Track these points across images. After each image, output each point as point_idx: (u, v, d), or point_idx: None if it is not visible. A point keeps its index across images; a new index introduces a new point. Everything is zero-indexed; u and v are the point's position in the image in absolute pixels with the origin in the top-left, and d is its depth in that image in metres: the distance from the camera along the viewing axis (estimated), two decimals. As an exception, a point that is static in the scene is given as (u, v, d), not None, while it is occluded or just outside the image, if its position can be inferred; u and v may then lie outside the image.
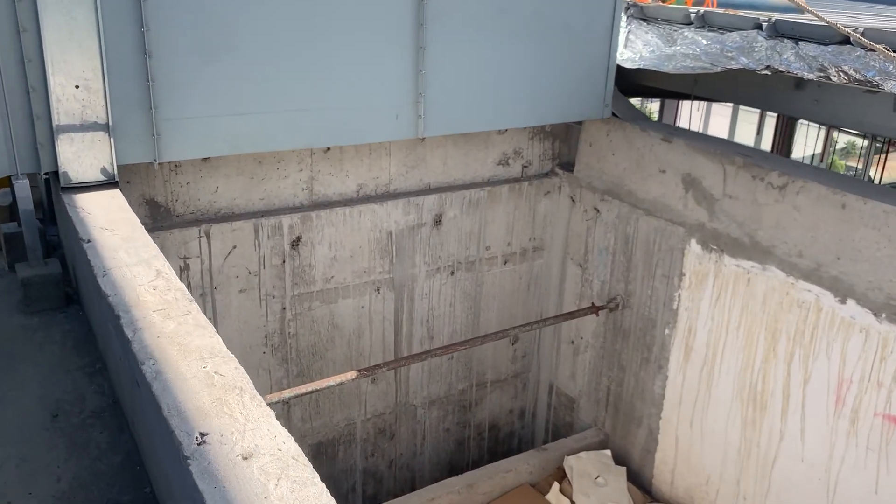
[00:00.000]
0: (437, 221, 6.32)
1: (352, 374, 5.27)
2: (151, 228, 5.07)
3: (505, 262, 6.82)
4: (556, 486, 6.29)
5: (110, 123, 4.05)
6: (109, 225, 3.66)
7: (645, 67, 5.88)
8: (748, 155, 5.32)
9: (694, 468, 6.00)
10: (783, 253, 5.04)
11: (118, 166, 4.15)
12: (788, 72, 5.13)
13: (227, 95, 4.36)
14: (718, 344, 5.60)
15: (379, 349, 6.45)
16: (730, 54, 5.35)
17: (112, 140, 4.08)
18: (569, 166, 6.79)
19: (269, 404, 4.32)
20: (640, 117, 6.35)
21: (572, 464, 6.42)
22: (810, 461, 5.09)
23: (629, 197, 6.16)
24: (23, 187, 4.58)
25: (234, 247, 5.47)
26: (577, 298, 6.93)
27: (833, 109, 5.85)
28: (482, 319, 6.90)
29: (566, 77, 5.59)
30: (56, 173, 4.03)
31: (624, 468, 6.44)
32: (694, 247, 5.67)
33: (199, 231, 5.30)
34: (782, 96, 6.04)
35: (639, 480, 6.45)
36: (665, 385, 6.12)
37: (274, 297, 5.76)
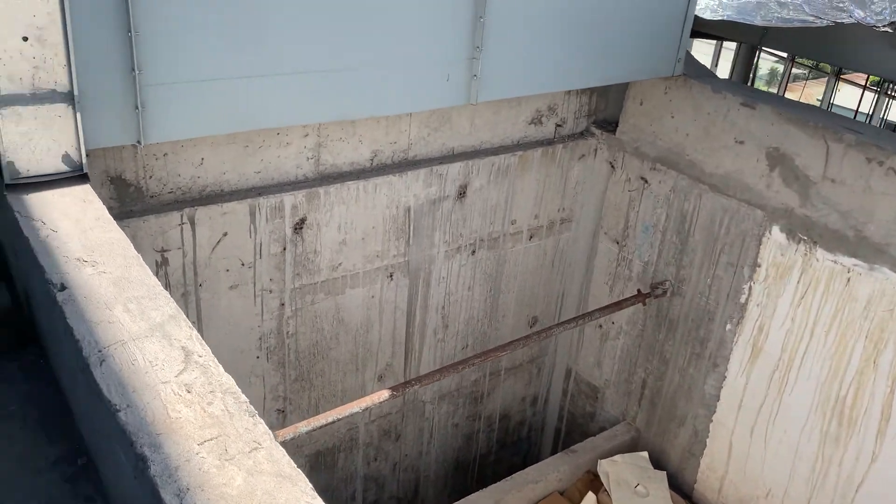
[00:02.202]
0: (462, 193, 5.26)
1: (384, 394, 4.28)
2: (119, 214, 3.88)
3: (530, 238, 5.84)
4: (591, 497, 5.53)
5: (75, 92, 2.81)
6: (89, 252, 2.49)
7: (729, 19, 4.85)
8: (858, 131, 4.41)
9: (751, 478, 5.31)
10: (900, 252, 4.23)
11: (86, 152, 2.93)
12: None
13: (234, 50, 3.15)
14: (798, 348, 4.82)
15: (388, 343, 5.45)
16: (841, 5, 4.37)
17: (78, 115, 2.85)
18: (607, 125, 5.78)
19: (282, 442, 3.30)
20: (707, 73, 5.36)
21: (607, 469, 5.66)
22: (909, 489, 4.44)
23: (690, 168, 5.22)
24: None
25: (225, 234, 4.31)
26: (608, 278, 6.05)
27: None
28: (501, 302, 5.96)
29: (638, 27, 4.52)
30: (-2, 169, 2.82)
31: (664, 473, 5.72)
32: (776, 235, 4.80)
33: (181, 216, 4.11)
34: (876, 54, 5.14)
35: (676, 484, 5.76)
36: (721, 385, 5.36)
37: (271, 291, 4.66)
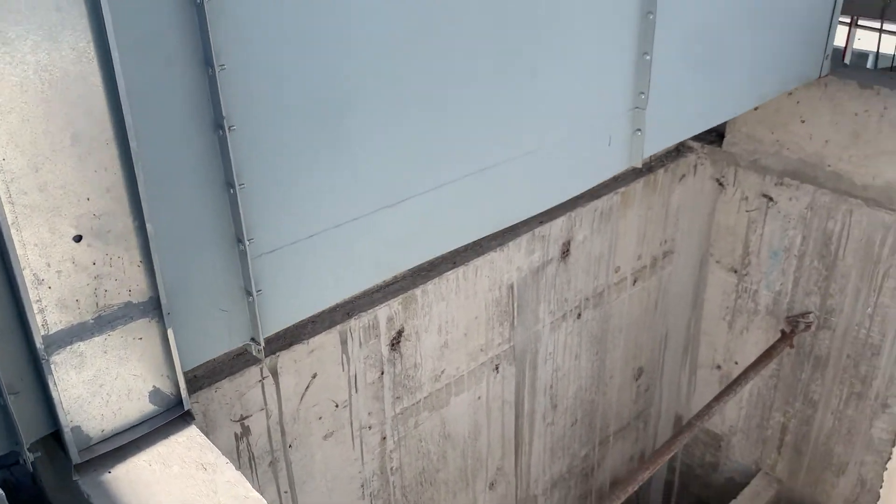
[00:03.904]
0: (565, 252, 4.27)
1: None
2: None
3: (634, 282, 4.88)
4: (757, 579, 4.66)
5: (162, 298, 1.72)
6: None
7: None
8: None
9: (948, 533, 4.50)
10: None
11: (185, 377, 1.85)
12: None
13: (362, 181, 2.08)
14: None
15: (498, 445, 4.46)
16: None
17: (169, 331, 1.76)
18: (706, 135, 4.82)
19: None
20: (837, 63, 4.43)
21: (768, 542, 4.79)
22: None
23: (834, 181, 4.31)
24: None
25: (314, 376, 3.25)
26: (725, 313, 5.13)
27: None
28: (608, 362, 5.00)
29: (785, 27, 3.55)
30: (59, 440, 1.72)
31: (831, 533, 4.88)
32: (968, 253, 3.94)
33: (261, 371, 3.03)
34: None
35: (841, 539, 4.93)
36: (895, 429, 4.51)
37: (370, 427, 3.61)
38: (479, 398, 4.17)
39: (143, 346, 1.77)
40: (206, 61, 1.68)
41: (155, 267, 1.71)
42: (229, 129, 1.75)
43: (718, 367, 5.33)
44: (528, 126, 2.49)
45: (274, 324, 2.04)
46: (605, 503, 3.52)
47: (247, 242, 1.86)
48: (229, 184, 1.80)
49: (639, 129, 2.88)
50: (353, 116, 2.00)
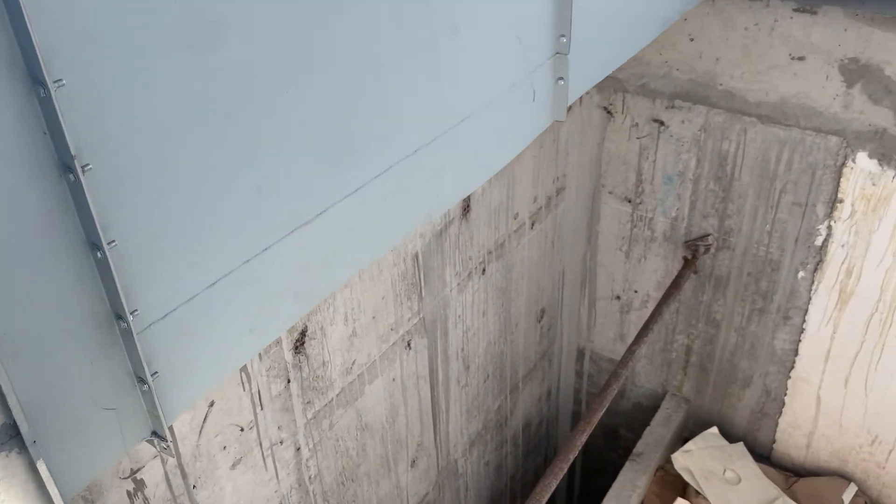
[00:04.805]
0: (466, 208, 3.90)
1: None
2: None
3: (532, 226, 4.61)
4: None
5: (22, 425, 1.19)
6: None
7: None
8: (967, 19, 3.51)
9: (850, 429, 4.68)
10: None
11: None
12: None
13: (271, 200, 1.58)
14: (905, 285, 4.08)
15: (416, 422, 4.13)
16: None
17: (41, 463, 1.24)
18: (589, 62, 4.52)
19: None
20: (722, -25, 4.19)
21: (688, 465, 4.82)
22: None
23: (727, 100, 4.16)
24: None
25: (212, 404, 2.75)
26: (622, 243, 4.99)
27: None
28: (513, 310, 4.76)
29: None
30: None
31: (742, 446, 4.98)
32: (862, 162, 3.91)
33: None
34: None
35: (749, 447, 5.04)
36: (798, 339, 4.58)
37: (282, 442, 3.17)
38: (394, 380, 3.81)
39: (5, 487, 1.24)
40: (34, 78, 1.12)
41: (8, 376, 1.18)
42: (83, 169, 1.20)
43: (618, 297, 5.23)
44: (453, 94, 2.04)
45: (179, 405, 1.54)
46: (548, 479, 3.29)
47: (129, 317, 1.34)
48: (94, 244, 1.27)
49: (561, 78, 2.50)
50: (248, 115, 1.48)
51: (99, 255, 1.27)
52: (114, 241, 1.28)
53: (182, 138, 1.37)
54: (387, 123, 1.84)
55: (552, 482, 3.25)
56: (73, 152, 1.18)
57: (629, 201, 4.80)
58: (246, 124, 1.48)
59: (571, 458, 3.40)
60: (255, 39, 1.45)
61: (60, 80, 1.14)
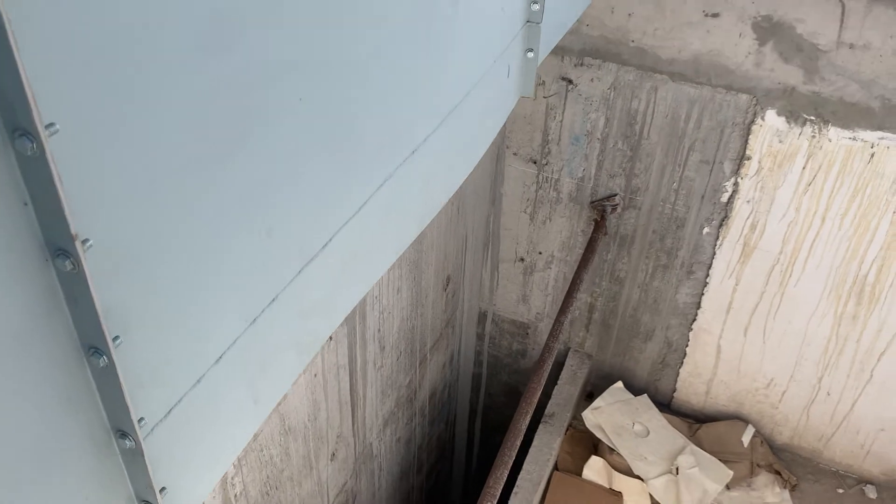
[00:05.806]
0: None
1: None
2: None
3: (440, 193, 4.35)
4: (596, 462, 4.73)
5: None
6: None
7: None
8: (874, -21, 3.55)
9: (747, 374, 4.88)
10: (937, 115, 3.64)
11: None
12: None
13: (280, 237, 1.23)
14: (806, 237, 4.21)
15: (336, 414, 3.84)
16: None
17: None
18: (492, 17, 4.26)
19: None
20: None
21: (598, 422, 4.86)
22: (940, 345, 4.27)
23: (639, 57, 4.05)
24: None
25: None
26: (527, 205, 4.86)
27: None
28: (423, 282, 4.52)
29: None
30: None
31: (645, 396, 5.08)
32: (771, 120, 3.95)
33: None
34: None
35: (651, 397, 5.17)
36: (701, 293, 4.67)
37: (209, 465, 2.78)
38: (316, 375, 3.48)
39: None
40: (10, 127, 0.73)
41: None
42: (83, 242, 0.82)
43: (522, 259, 5.12)
44: (449, 77, 1.73)
45: (180, 497, 1.19)
46: (499, 470, 3.13)
47: (137, 428, 0.98)
48: (93, 349, 0.89)
49: (531, 49, 2.23)
50: (258, 136, 1.12)
51: (103, 360, 0.89)
52: (118, 336, 0.91)
53: (172, 205, 1.00)
54: (390, 122, 1.52)
55: (503, 472, 3.10)
56: (72, 230, 0.79)
57: (534, 162, 4.65)
58: (260, 145, 1.12)
59: (518, 443, 3.26)
60: (266, 43, 1.08)
61: (54, 124, 0.75)
